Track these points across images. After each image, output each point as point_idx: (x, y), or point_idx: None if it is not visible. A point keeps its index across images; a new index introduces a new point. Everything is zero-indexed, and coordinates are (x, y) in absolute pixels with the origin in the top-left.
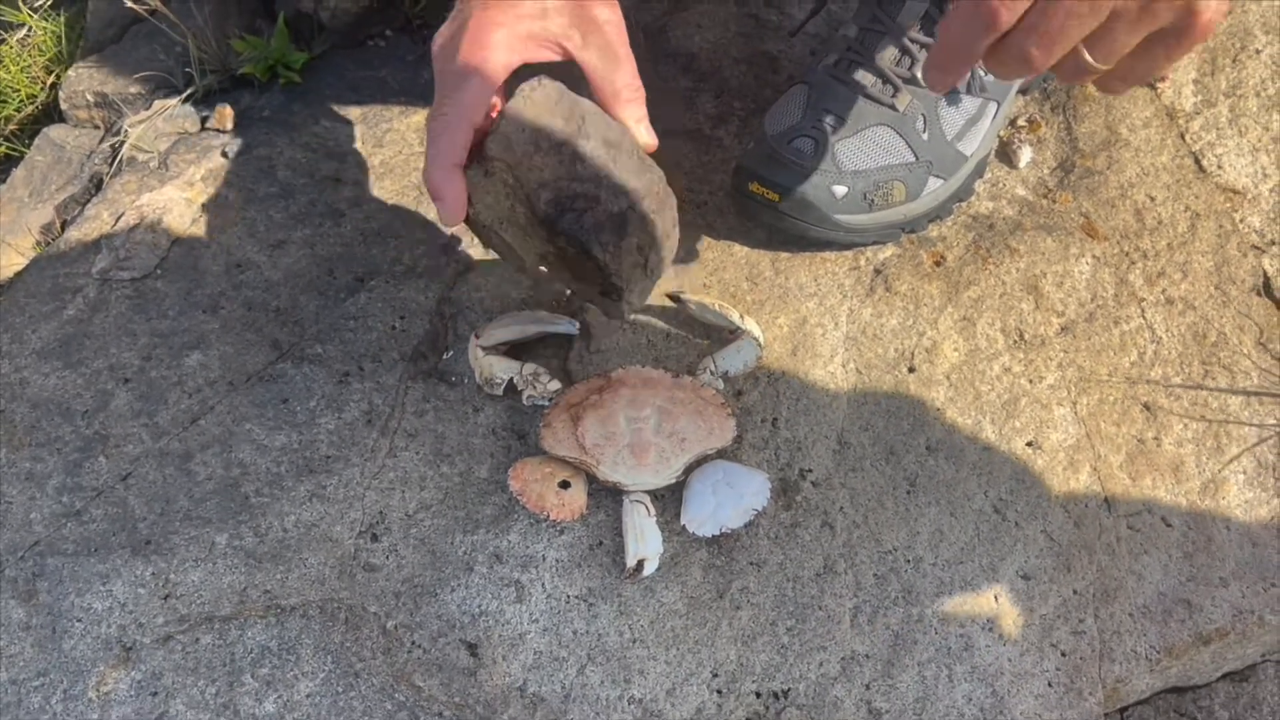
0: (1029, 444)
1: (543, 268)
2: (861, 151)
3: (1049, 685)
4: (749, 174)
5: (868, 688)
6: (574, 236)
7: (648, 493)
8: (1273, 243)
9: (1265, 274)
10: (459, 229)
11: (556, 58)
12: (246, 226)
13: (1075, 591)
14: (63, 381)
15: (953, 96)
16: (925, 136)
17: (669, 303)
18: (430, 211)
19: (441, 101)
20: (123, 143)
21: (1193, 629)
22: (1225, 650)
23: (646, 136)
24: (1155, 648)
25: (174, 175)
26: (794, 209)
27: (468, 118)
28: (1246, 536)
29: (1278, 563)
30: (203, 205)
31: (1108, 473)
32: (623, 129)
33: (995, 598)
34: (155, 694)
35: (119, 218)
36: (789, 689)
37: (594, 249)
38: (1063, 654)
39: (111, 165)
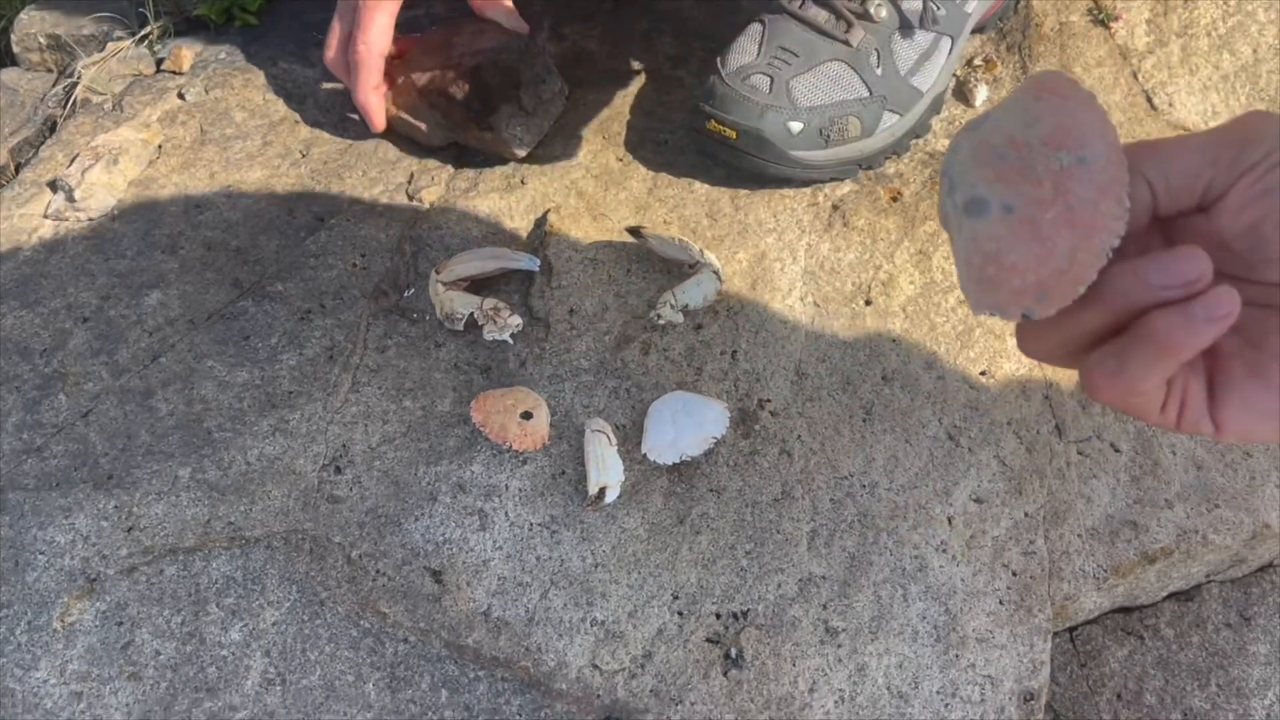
0: (982, 373)
1: (435, 139)
2: (816, 87)
3: (1000, 603)
4: (706, 112)
5: (824, 607)
6: (448, 95)
7: (608, 423)
8: None
9: None
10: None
11: None
12: (204, 167)
13: (1026, 514)
14: (20, 321)
15: (906, 31)
16: (879, 71)
17: (630, 238)
18: (386, 149)
19: (356, 38)
20: (76, 84)
21: (1139, 548)
22: (1170, 569)
23: (515, 25)
24: (1103, 567)
25: (129, 117)
26: (751, 146)
27: (378, 52)
28: (1191, 460)
29: (1221, 484)
30: (159, 146)
31: (1059, 400)
32: (484, 22)
33: (949, 520)
34: (120, 624)
35: (73, 159)
36: (748, 610)
37: (459, 97)
38: (1013, 573)
39: (65, 108)
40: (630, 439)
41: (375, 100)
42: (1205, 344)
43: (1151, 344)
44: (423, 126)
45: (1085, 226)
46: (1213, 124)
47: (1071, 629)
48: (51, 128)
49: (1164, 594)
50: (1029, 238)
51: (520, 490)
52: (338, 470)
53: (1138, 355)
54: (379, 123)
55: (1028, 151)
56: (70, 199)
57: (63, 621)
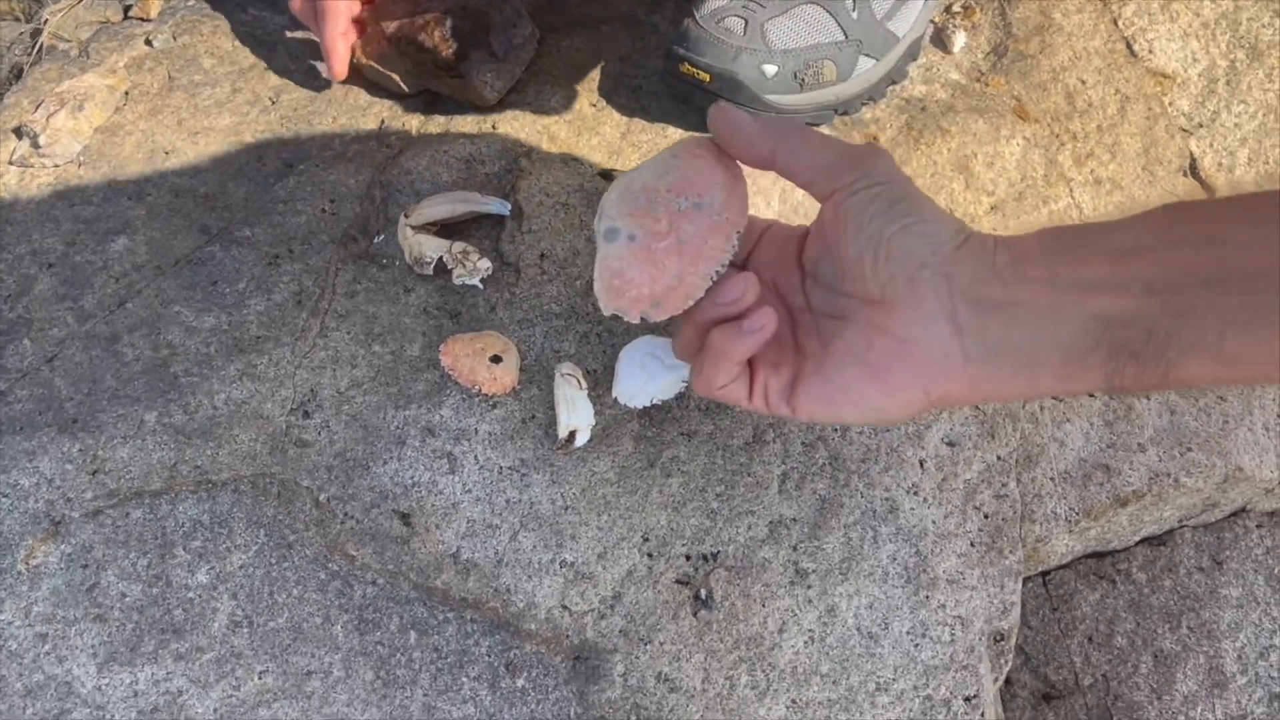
0: None
1: (406, 86)
2: (791, 30)
3: (971, 545)
4: (679, 55)
5: (795, 549)
6: (418, 42)
7: (579, 367)
8: (1200, 125)
9: (1192, 155)
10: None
11: None
12: (172, 114)
13: (999, 457)
14: None
15: None
16: (855, 15)
17: (602, 182)
18: (356, 95)
19: None
20: (42, 31)
21: (1111, 491)
22: (1142, 513)
23: None
24: (1074, 509)
25: (96, 63)
26: (725, 89)
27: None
28: (1165, 405)
29: (1194, 428)
30: (126, 93)
31: None
32: None
33: (920, 463)
34: (86, 566)
35: (39, 105)
36: (718, 551)
37: (429, 44)
38: (985, 516)
39: (31, 55)
40: (601, 383)
41: (341, 47)
42: (751, 351)
43: (713, 352)
44: (394, 75)
45: (693, 255)
46: (1193, 71)
47: (1044, 574)
48: (17, 75)
49: (1136, 539)
50: (645, 260)
51: (490, 434)
52: (306, 414)
53: (708, 361)
54: (339, 70)
55: (655, 196)
56: (35, 145)
57: (27, 564)
